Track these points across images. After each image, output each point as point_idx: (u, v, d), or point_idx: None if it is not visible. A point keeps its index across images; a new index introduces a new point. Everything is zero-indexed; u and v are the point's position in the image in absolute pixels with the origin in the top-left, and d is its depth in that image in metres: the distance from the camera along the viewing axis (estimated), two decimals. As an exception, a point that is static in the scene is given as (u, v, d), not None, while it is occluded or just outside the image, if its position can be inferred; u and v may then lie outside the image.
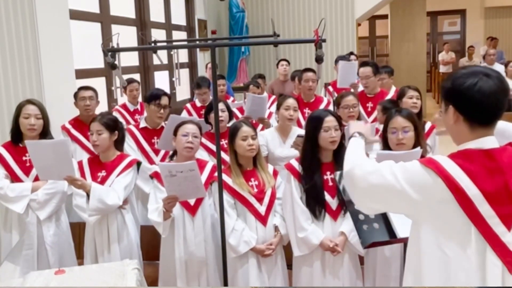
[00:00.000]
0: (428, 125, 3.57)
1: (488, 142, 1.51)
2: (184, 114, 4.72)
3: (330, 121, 2.62)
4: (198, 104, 4.82)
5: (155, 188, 2.82)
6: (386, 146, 2.75)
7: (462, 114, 1.52)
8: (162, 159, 3.57)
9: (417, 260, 1.58)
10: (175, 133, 2.91)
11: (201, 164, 2.93)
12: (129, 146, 3.66)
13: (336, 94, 4.96)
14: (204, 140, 3.65)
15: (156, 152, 3.68)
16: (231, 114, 3.80)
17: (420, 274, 1.57)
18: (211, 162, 2.99)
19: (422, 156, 2.61)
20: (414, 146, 2.67)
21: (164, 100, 3.65)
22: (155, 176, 2.83)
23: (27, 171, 3.06)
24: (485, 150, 1.50)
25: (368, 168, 1.62)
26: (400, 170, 1.55)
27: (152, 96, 3.66)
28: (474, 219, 1.46)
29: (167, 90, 5.92)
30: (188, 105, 4.92)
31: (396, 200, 1.56)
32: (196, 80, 4.97)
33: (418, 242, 1.57)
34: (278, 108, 3.68)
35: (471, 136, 1.52)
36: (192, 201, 2.82)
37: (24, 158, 3.05)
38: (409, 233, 1.67)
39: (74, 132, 3.88)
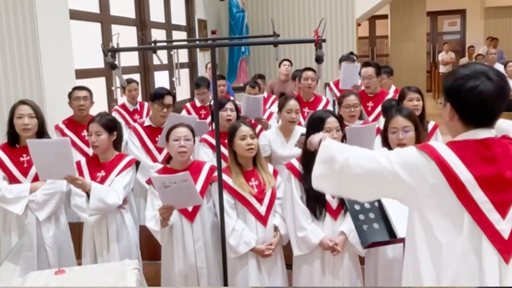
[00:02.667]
0: (431, 125, 3.55)
1: (483, 132, 1.53)
2: (184, 113, 4.72)
3: (331, 122, 2.62)
4: (198, 104, 4.83)
5: (151, 195, 2.79)
6: (386, 146, 2.75)
7: (458, 113, 1.54)
8: (165, 157, 3.57)
9: (412, 245, 1.60)
10: (167, 138, 2.88)
11: (199, 166, 2.91)
12: (133, 143, 3.69)
13: (337, 92, 4.98)
14: (209, 138, 3.66)
15: (160, 150, 3.70)
16: (239, 115, 3.80)
17: (415, 260, 1.58)
18: (208, 164, 2.97)
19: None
20: (415, 146, 2.66)
21: (168, 99, 3.68)
22: (151, 182, 2.80)
23: (25, 172, 3.05)
24: (480, 139, 1.52)
25: (361, 155, 1.64)
26: (394, 155, 1.57)
27: (156, 95, 3.70)
28: (467, 204, 1.47)
29: (167, 90, 5.91)
30: (188, 105, 4.92)
31: (389, 184, 1.58)
32: (195, 80, 4.98)
33: (412, 228, 1.59)
34: (280, 109, 3.68)
35: (465, 133, 1.55)
36: (190, 207, 2.80)
37: (21, 159, 3.04)
38: (407, 221, 1.68)
39: (67, 132, 3.86)
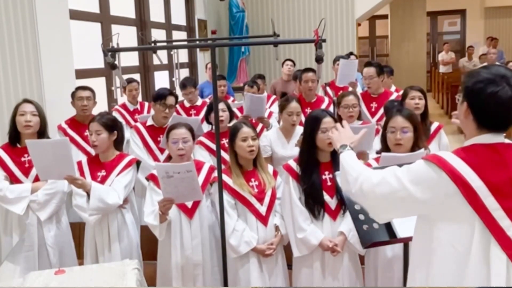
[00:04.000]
0: (434, 126, 3.51)
1: (494, 137, 1.54)
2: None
3: (327, 122, 2.62)
4: (187, 104, 4.81)
5: (151, 191, 2.80)
6: (384, 145, 2.74)
7: (473, 115, 1.55)
8: (167, 157, 3.57)
9: (427, 258, 1.59)
10: (166, 138, 2.89)
11: (198, 166, 2.89)
12: (135, 143, 3.69)
13: (333, 94, 4.95)
14: (205, 140, 3.66)
15: (161, 150, 3.70)
16: (232, 114, 3.80)
17: (431, 271, 1.58)
18: (207, 164, 2.98)
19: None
20: (413, 147, 2.66)
21: (170, 100, 3.69)
22: (151, 178, 2.81)
23: (26, 172, 3.05)
24: (490, 144, 1.53)
25: (374, 180, 1.64)
26: (404, 174, 1.57)
27: (158, 96, 3.70)
28: (479, 211, 1.48)
29: (167, 90, 5.91)
30: (177, 106, 4.89)
31: (406, 204, 1.59)
32: (181, 81, 4.94)
33: (429, 240, 1.58)
34: (281, 110, 3.67)
35: (477, 133, 1.56)
36: (189, 204, 2.81)
37: (22, 159, 3.05)
38: (415, 231, 1.69)
39: (70, 132, 3.86)
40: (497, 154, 1.51)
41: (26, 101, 3.09)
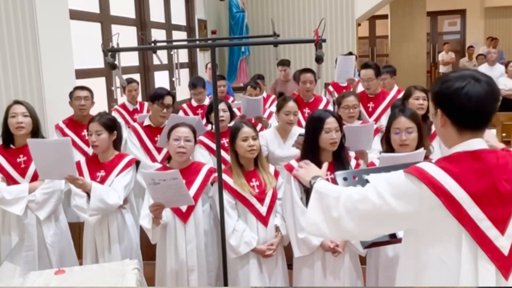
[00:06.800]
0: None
1: (475, 143, 1.49)
2: (181, 114, 4.72)
3: (331, 122, 2.61)
4: (194, 104, 4.82)
5: (148, 193, 2.80)
6: (388, 146, 2.73)
7: (449, 117, 1.50)
8: (164, 157, 3.57)
9: (417, 274, 1.54)
10: (168, 136, 2.87)
11: (197, 168, 2.89)
12: (132, 143, 3.68)
13: (336, 94, 4.97)
14: (205, 139, 3.65)
15: (159, 150, 3.69)
16: (233, 114, 3.80)
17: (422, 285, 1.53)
18: (207, 166, 2.95)
19: (426, 157, 2.60)
20: (417, 147, 2.66)
21: (168, 100, 3.68)
22: None
23: (22, 172, 3.04)
24: (472, 151, 1.48)
25: (355, 197, 1.58)
26: (385, 188, 1.52)
27: (156, 95, 3.70)
28: (464, 222, 1.43)
29: (167, 90, 5.91)
30: (184, 105, 4.91)
31: (391, 220, 1.53)
32: (191, 81, 4.95)
33: (419, 255, 1.53)
34: (278, 110, 3.67)
35: (459, 140, 1.50)
36: (183, 208, 2.78)
37: (18, 160, 3.04)
38: (402, 246, 1.63)
39: (67, 131, 3.86)
40: (479, 161, 1.46)
41: (16, 102, 3.07)
